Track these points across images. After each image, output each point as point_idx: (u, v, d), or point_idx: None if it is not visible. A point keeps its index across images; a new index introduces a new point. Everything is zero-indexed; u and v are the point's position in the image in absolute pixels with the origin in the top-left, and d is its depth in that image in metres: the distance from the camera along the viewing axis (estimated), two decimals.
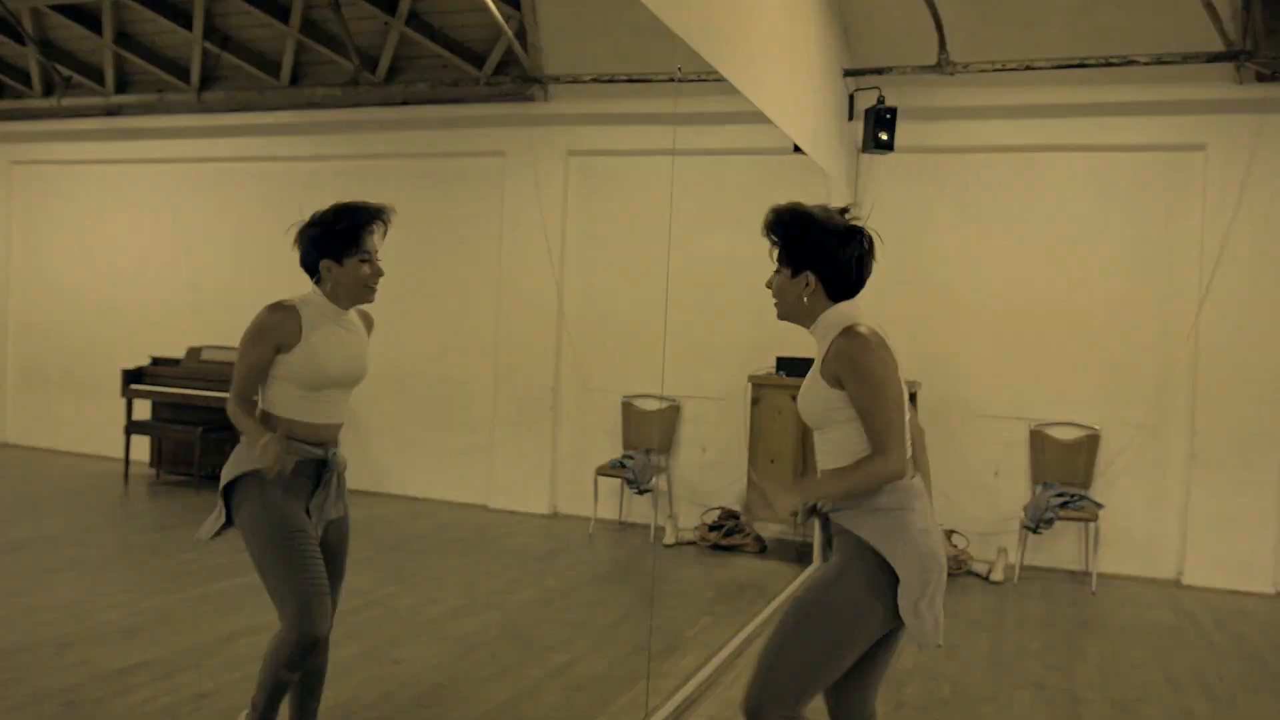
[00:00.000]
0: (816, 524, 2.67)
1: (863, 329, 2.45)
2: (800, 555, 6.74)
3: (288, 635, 2.88)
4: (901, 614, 2.42)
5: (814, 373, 2.55)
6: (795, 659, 2.46)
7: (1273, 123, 6.46)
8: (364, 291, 3.01)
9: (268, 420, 2.98)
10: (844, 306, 2.55)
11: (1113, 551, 6.73)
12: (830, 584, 2.48)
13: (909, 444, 2.47)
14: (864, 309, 2.56)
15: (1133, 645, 5.30)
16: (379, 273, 3.01)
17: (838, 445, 2.52)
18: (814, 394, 2.53)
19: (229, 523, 3.01)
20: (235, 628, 4.76)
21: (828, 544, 2.61)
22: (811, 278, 2.53)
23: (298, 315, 2.94)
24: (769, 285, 2.62)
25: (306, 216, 3.00)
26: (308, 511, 2.98)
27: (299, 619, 2.85)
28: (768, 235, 2.59)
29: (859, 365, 2.40)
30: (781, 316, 2.63)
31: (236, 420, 2.95)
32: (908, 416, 2.48)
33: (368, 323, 3.22)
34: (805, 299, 2.55)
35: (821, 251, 2.51)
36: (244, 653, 4.40)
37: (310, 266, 2.99)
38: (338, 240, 2.93)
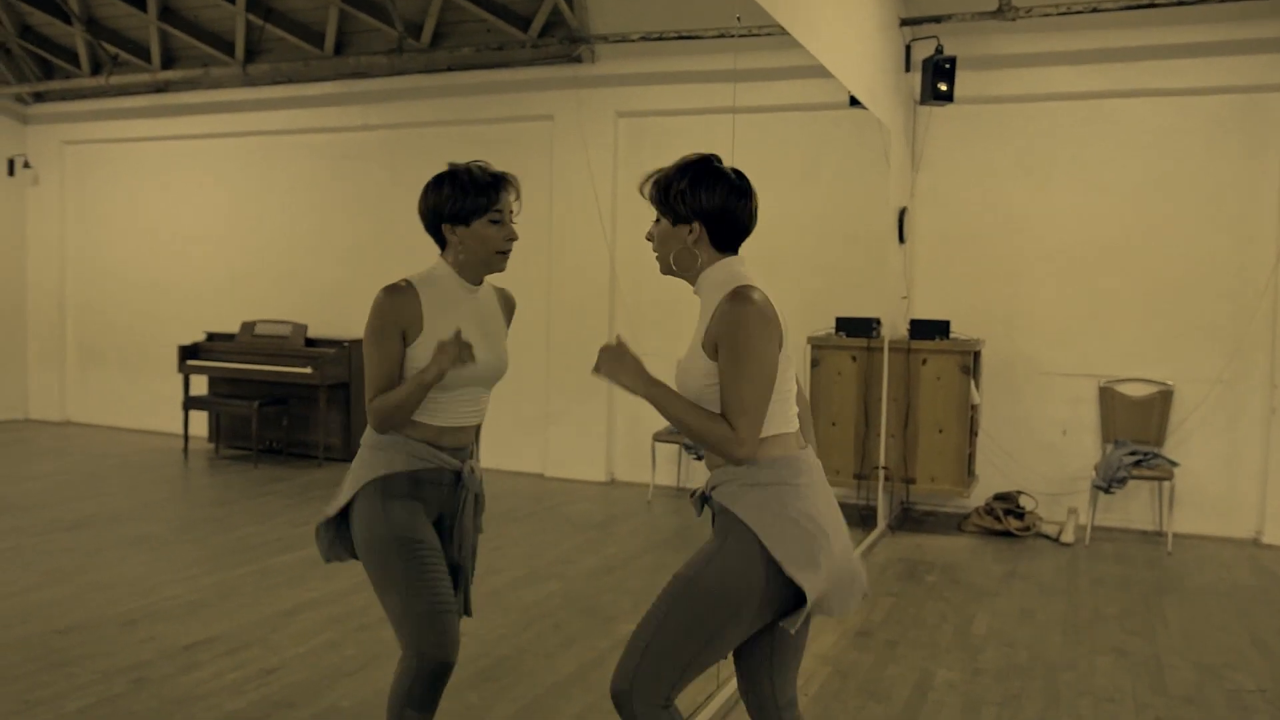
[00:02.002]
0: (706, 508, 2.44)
1: (755, 294, 2.21)
2: (863, 519, 6.60)
3: (410, 663, 2.51)
4: (792, 577, 2.17)
5: (694, 340, 2.31)
6: (669, 642, 2.23)
7: None
8: (494, 259, 2.59)
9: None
10: (729, 263, 2.33)
11: (1188, 511, 6.53)
12: (706, 562, 2.26)
13: (762, 429, 2.23)
14: (751, 266, 2.36)
15: (1214, 607, 5.12)
16: (513, 235, 2.59)
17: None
18: (691, 366, 2.29)
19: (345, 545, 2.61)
20: (298, 601, 4.74)
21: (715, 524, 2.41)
22: (697, 225, 2.31)
23: (417, 298, 2.51)
24: (648, 238, 2.39)
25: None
26: (438, 531, 2.62)
27: (421, 642, 2.49)
28: (653, 191, 2.37)
29: (735, 334, 2.18)
30: (662, 269, 2.40)
31: (398, 404, 2.46)
32: (792, 391, 2.33)
33: (507, 304, 2.80)
34: (689, 247, 2.33)
35: (706, 198, 2.29)
36: (306, 627, 4.38)
37: (435, 232, 2.60)
38: (461, 198, 2.52)
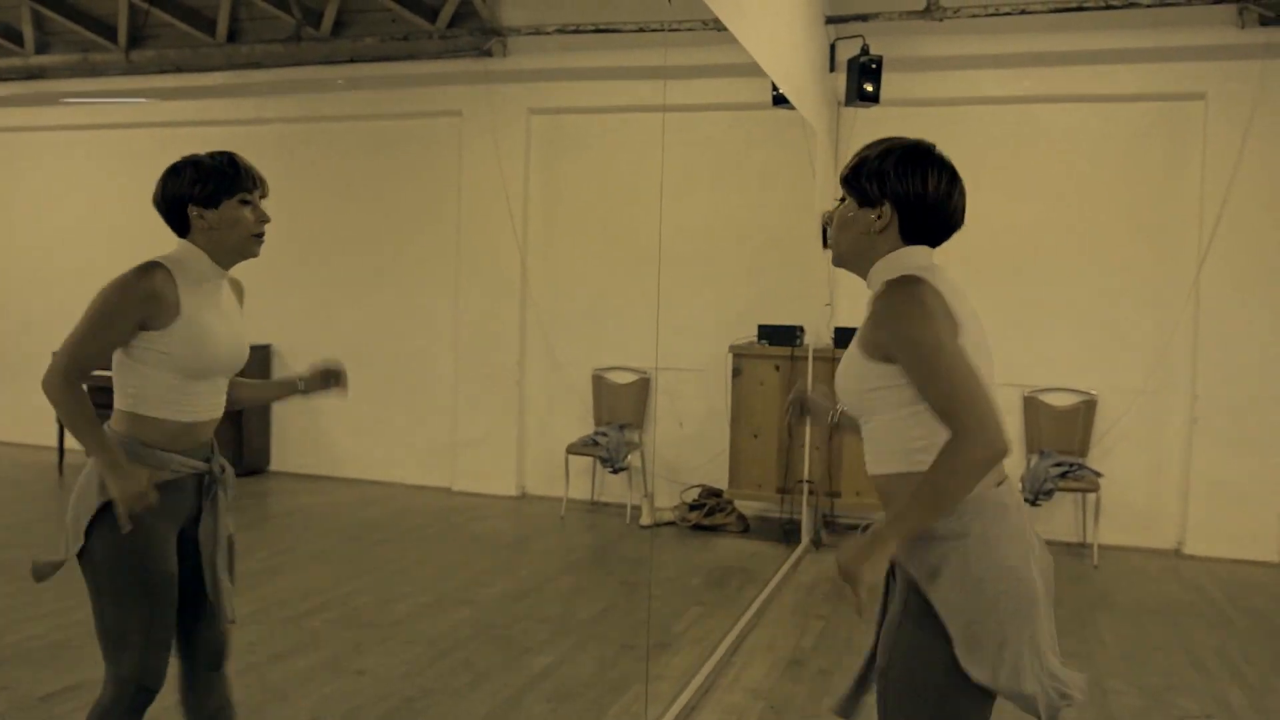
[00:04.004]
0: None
1: (916, 283, 1.84)
2: (786, 534, 6.36)
3: (115, 690, 2.36)
4: (965, 668, 1.81)
5: (852, 343, 1.97)
6: None
7: (1276, 69, 6.13)
8: (249, 243, 2.44)
9: (121, 423, 2.39)
10: (910, 251, 1.96)
11: (1111, 522, 6.43)
12: (905, 652, 1.89)
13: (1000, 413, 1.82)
14: (940, 263, 2.00)
15: (1148, 625, 4.99)
16: (265, 218, 2.46)
17: (882, 441, 1.94)
18: (848, 369, 1.96)
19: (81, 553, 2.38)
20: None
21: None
22: (887, 208, 1.95)
23: (172, 283, 2.33)
24: (826, 220, 2.09)
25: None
26: (180, 541, 2.44)
27: (132, 669, 2.34)
28: (847, 171, 2.02)
29: (900, 325, 1.82)
30: (835, 258, 2.08)
31: (68, 413, 2.32)
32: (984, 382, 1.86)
33: (238, 290, 2.65)
34: (873, 235, 1.97)
35: (902, 179, 1.93)
36: None
37: (177, 218, 2.41)
38: (208, 180, 2.37)
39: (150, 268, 2.32)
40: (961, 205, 1.98)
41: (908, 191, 1.93)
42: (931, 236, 1.99)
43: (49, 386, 2.32)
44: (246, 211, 2.42)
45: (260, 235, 2.46)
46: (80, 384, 2.35)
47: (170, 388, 2.38)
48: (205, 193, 2.38)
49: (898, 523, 1.81)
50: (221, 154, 2.42)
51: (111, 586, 2.36)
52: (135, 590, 2.34)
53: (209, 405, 2.47)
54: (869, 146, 2.01)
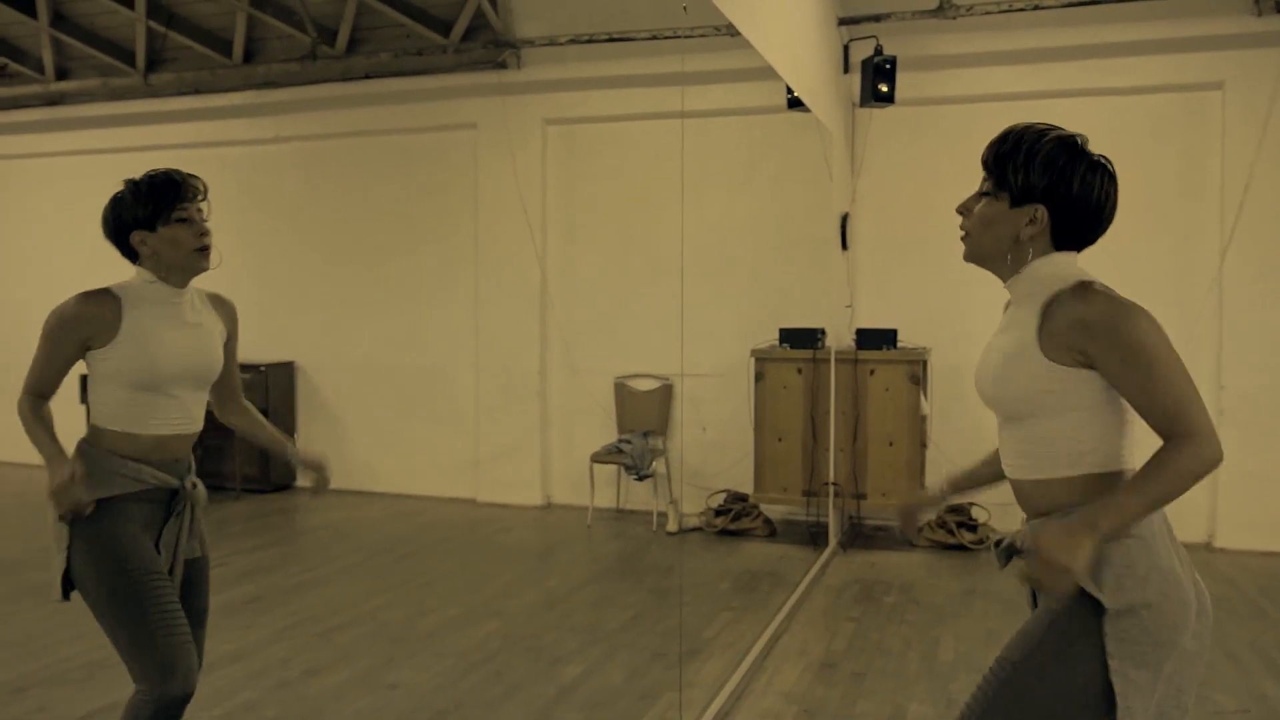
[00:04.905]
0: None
1: (1103, 286, 1.83)
2: (813, 537, 6.35)
3: (146, 697, 2.39)
4: (1111, 662, 1.82)
5: (1017, 343, 1.89)
6: None
7: None
8: (193, 258, 2.52)
9: (95, 438, 2.49)
10: (1066, 258, 1.92)
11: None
12: (1043, 656, 1.87)
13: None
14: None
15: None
16: (204, 232, 2.52)
17: (1051, 443, 1.89)
18: (1021, 371, 1.88)
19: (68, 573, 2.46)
20: (214, 656, 4.26)
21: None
22: (1041, 212, 1.89)
23: (116, 301, 2.47)
24: (963, 211, 1.98)
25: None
26: (157, 547, 2.51)
27: (161, 675, 2.37)
28: (990, 159, 1.93)
29: (1124, 333, 1.76)
30: (971, 255, 1.99)
31: (29, 429, 2.46)
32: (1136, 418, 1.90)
33: (227, 311, 2.73)
34: (1023, 239, 1.91)
35: (1066, 181, 1.86)
36: (221, 685, 3.96)
37: (124, 246, 2.54)
38: (142, 205, 2.47)
39: (90, 294, 2.48)
40: (1115, 204, 1.94)
41: (1068, 192, 1.88)
42: (1082, 241, 1.94)
43: (19, 408, 2.50)
44: (183, 230, 2.49)
45: (204, 249, 2.52)
46: (43, 404, 2.50)
47: (125, 401, 2.47)
48: (142, 216, 2.48)
49: (1111, 514, 1.76)
50: (156, 172, 2.52)
51: (102, 597, 2.41)
52: (121, 592, 2.39)
53: (175, 419, 2.53)
54: (1017, 132, 1.91)
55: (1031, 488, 1.95)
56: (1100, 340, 1.78)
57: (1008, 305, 2.03)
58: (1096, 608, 1.83)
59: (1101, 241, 1.95)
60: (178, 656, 2.40)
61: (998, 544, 2.07)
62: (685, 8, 3.46)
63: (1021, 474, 1.96)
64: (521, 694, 4.00)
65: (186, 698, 2.43)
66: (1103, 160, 1.91)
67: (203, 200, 2.55)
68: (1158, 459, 1.76)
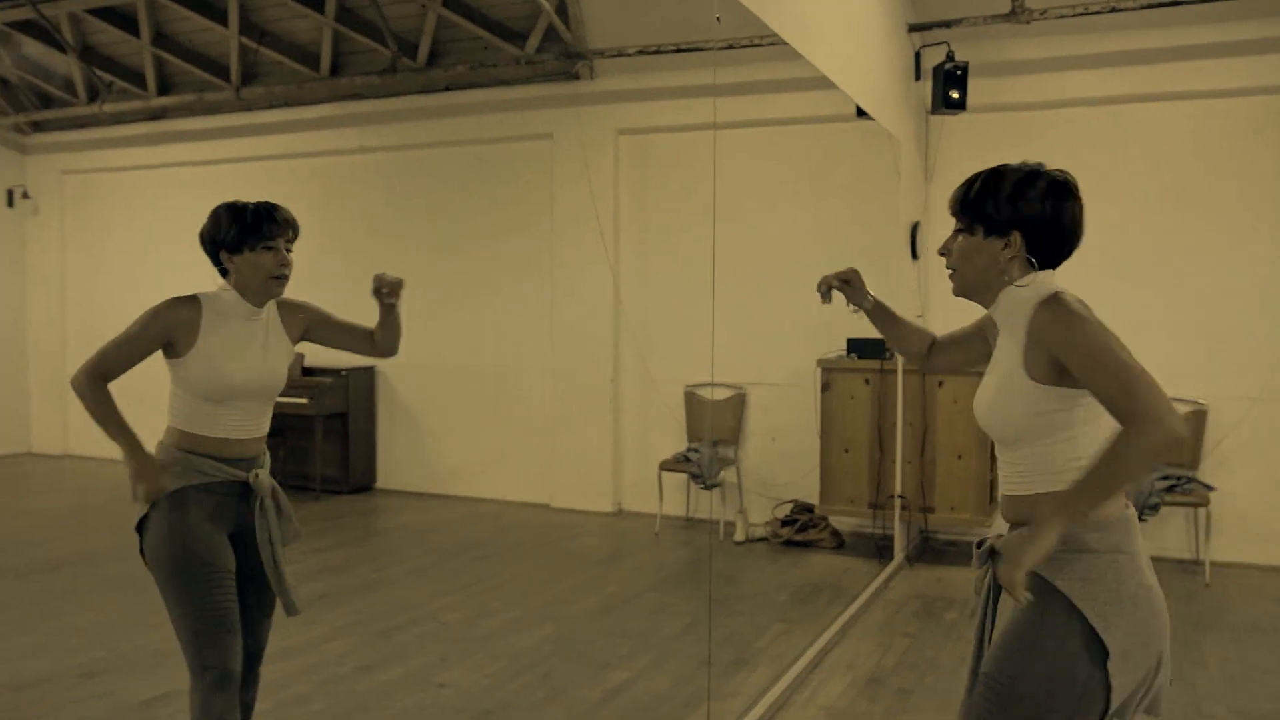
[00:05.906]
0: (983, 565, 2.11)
1: (1068, 295, 1.93)
2: (880, 550, 6.26)
3: (198, 681, 2.59)
4: (1114, 680, 1.86)
5: (1004, 370, 2.00)
6: None
7: None
8: (270, 284, 2.71)
9: (170, 433, 2.70)
10: (1044, 276, 2.01)
11: (1227, 537, 6.13)
12: (1025, 655, 1.91)
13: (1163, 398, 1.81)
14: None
15: (1258, 647, 4.74)
16: (285, 262, 2.72)
17: (1034, 461, 1.96)
18: (1012, 395, 1.96)
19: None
20: (272, 650, 4.37)
21: (994, 590, 2.09)
22: (1015, 236, 1.99)
23: (200, 310, 2.67)
24: (944, 251, 2.09)
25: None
26: (238, 543, 2.73)
27: (202, 656, 2.57)
28: (957, 205, 2.08)
29: (1065, 331, 1.86)
30: (960, 289, 2.10)
31: (96, 407, 2.63)
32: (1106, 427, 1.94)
33: (298, 312, 2.86)
34: (1002, 263, 2.01)
35: (1029, 202, 1.98)
36: (276, 679, 4.09)
37: (215, 259, 2.74)
38: (234, 228, 2.67)
39: (183, 299, 2.67)
40: (1082, 221, 2.04)
41: (1037, 217, 1.99)
42: (1056, 258, 2.04)
43: (75, 382, 2.64)
44: (268, 257, 2.68)
45: (281, 278, 2.72)
46: (102, 384, 2.65)
47: (195, 407, 2.68)
48: (231, 238, 2.67)
49: (1063, 507, 1.84)
50: (259, 204, 2.70)
51: (165, 579, 2.61)
52: (183, 578, 2.58)
53: (242, 426, 2.72)
54: (975, 177, 2.06)
55: (1017, 503, 2.03)
56: (1058, 342, 1.88)
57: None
58: (1066, 603, 1.90)
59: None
60: (220, 646, 2.58)
61: (978, 545, 2.12)
62: (718, 17, 3.46)
63: (1012, 490, 2.04)
64: (565, 697, 4.04)
65: (232, 674, 2.59)
66: (1064, 178, 2.00)
67: (293, 239, 2.74)
68: (1109, 442, 1.82)
